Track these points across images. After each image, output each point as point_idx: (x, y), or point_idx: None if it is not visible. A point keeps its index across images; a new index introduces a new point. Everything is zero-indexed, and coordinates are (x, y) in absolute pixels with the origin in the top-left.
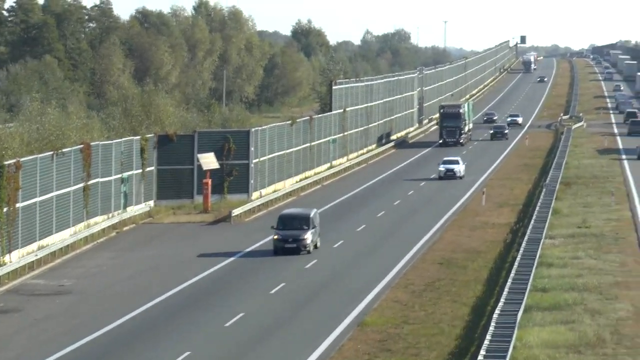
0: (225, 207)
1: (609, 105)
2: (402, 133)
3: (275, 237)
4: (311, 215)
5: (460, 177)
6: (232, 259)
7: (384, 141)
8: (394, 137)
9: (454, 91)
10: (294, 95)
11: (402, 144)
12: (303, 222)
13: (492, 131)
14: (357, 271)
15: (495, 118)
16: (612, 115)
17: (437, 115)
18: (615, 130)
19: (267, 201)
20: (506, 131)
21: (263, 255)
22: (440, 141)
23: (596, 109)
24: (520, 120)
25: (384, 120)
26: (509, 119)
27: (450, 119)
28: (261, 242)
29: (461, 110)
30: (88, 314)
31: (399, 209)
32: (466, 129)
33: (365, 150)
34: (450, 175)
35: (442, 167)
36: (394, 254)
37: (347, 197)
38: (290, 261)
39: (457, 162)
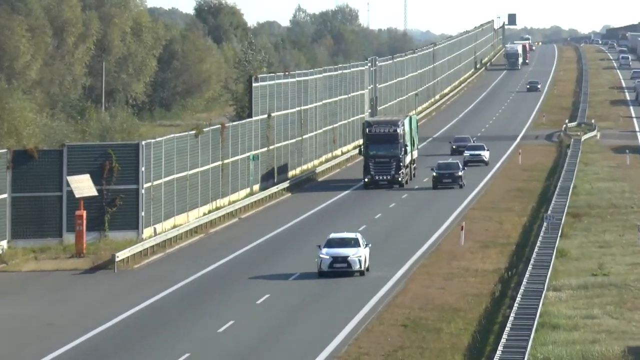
0: (107, 248)
1: (628, 97)
2: (350, 146)
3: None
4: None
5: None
6: (116, 320)
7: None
8: (337, 153)
9: (419, 89)
10: (200, 95)
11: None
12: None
13: (434, 174)
14: (288, 338)
15: (469, 149)
16: (635, 121)
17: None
18: None
19: (163, 241)
20: (460, 173)
21: (159, 314)
22: (366, 179)
23: (612, 103)
24: (486, 155)
25: (324, 129)
26: (466, 154)
27: (381, 145)
28: (156, 297)
29: (399, 130)
30: None
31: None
32: (407, 159)
33: (298, 171)
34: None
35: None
36: (340, 313)
37: (276, 234)
38: (202, 327)
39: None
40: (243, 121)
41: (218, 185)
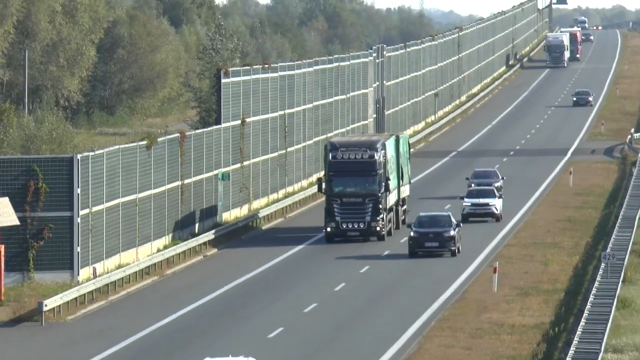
0: (32, 294)
1: None
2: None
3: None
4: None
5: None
6: None
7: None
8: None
9: (440, 88)
10: (153, 95)
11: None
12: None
13: (411, 233)
14: None
15: (495, 184)
16: None
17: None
18: None
19: (106, 285)
20: (452, 233)
21: None
22: (328, 228)
23: None
24: (497, 206)
25: (315, 139)
26: (466, 203)
27: (351, 178)
28: (96, 359)
29: (377, 157)
30: None
31: (343, 296)
32: (391, 198)
33: (282, 194)
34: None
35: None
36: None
37: (248, 279)
38: None
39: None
40: (209, 128)
41: (177, 212)
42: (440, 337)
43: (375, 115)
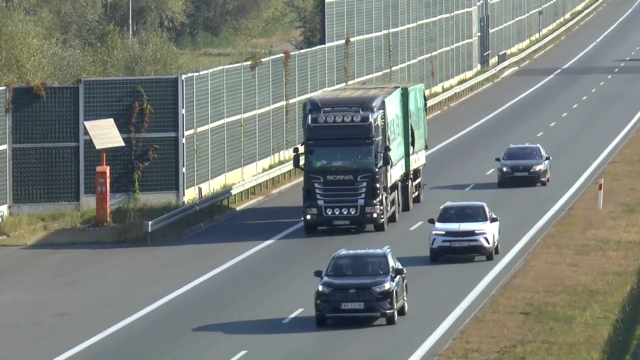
0: (137, 215)
1: None
2: (454, 81)
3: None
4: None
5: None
6: (150, 308)
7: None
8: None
9: (544, 5)
10: (257, 15)
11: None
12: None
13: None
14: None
15: (537, 167)
16: None
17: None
18: None
19: (211, 205)
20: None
21: (209, 299)
22: (308, 216)
23: None
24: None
25: (419, 58)
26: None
27: (337, 148)
28: (203, 278)
29: (373, 118)
30: None
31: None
32: (394, 173)
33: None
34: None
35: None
36: (446, 299)
37: None
38: (264, 313)
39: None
40: (313, 48)
41: (282, 132)
42: (546, 254)
43: (479, 34)
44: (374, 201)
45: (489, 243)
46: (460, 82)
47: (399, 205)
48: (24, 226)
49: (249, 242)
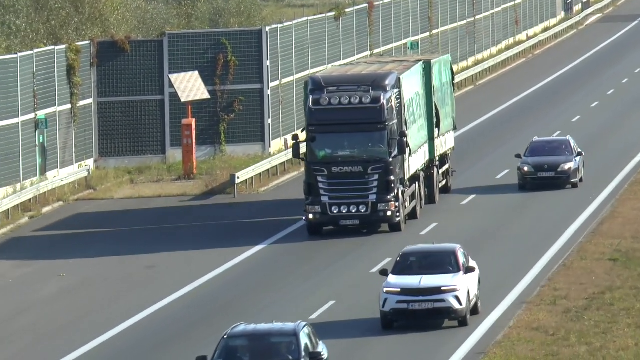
0: (224, 167)
1: None
2: (538, 29)
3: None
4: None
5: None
6: (239, 259)
7: None
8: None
9: None
10: None
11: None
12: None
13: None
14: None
15: (566, 165)
16: None
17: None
18: None
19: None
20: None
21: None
22: (310, 215)
23: None
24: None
25: (504, 6)
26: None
27: (344, 135)
28: (294, 227)
29: (385, 99)
30: None
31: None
32: (410, 166)
33: (472, 61)
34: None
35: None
36: (533, 246)
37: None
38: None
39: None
40: None
41: None
42: (633, 200)
43: None
44: (388, 197)
45: (460, 304)
46: (545, 30)
47: (421, 199)
48: (111, 180)
49: None
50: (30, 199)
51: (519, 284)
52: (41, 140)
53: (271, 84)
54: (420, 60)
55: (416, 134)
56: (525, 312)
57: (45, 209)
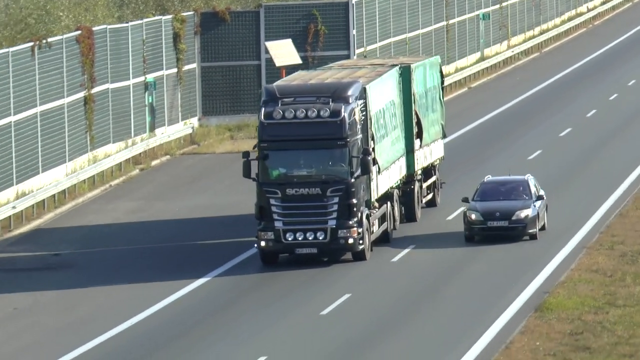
0: None
1: None
2: (597, 1)
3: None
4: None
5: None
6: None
7: None
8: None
9: None
10: None
11: None
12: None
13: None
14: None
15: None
16: None
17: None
18: None
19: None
20: None
21: None
22: (262, 242)
23: None
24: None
25: None
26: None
27: (298, 152)
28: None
29: (344, 114)
30: (91, 303)
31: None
32: (378, 185)
33: (537, 31)
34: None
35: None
36: (592, 198)
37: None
38: None
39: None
40: None
41: (443, 49)
42: None
43: None
44: (350, 222)
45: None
46: (603, 3)
47: (394, 220)
48: (213, 136)
49: None
50: (140, 153)
51: (579, 230)
52: (150, 101)
53: (357, 51)
54: (396, 66)
55: (388, 148)
56: (585, 256)
57: (154, 162)
